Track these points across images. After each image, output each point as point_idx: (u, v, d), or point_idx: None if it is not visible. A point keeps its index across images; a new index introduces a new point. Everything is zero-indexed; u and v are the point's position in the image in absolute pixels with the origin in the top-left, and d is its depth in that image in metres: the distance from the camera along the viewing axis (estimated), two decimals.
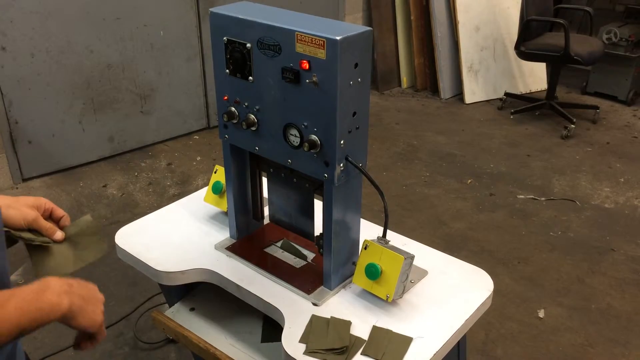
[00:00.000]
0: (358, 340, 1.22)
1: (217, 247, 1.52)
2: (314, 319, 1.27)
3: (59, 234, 1.14)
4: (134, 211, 3.25)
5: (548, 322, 2.51)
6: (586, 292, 2.69)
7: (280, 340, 1.23)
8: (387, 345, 1.20)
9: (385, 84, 5.10)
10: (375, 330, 1.25)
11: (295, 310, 1.31)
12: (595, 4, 5.43)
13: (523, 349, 2.37)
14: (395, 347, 1.20)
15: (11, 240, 1.07)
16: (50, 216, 1.16)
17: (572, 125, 4.26)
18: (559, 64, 4.33)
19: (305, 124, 1.21)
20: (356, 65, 1.15)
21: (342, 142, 1.19)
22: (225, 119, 1.35)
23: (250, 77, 1.26)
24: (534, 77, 5.09)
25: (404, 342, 1.22)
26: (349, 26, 1.16)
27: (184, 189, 3.47)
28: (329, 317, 1.28)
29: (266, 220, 1.59)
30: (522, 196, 3.50)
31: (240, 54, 1.25)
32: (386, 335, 1.23)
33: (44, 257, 1.13)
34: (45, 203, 1.14)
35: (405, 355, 1.19)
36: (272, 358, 1.41)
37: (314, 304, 1.33)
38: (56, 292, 0.87)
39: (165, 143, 4.12)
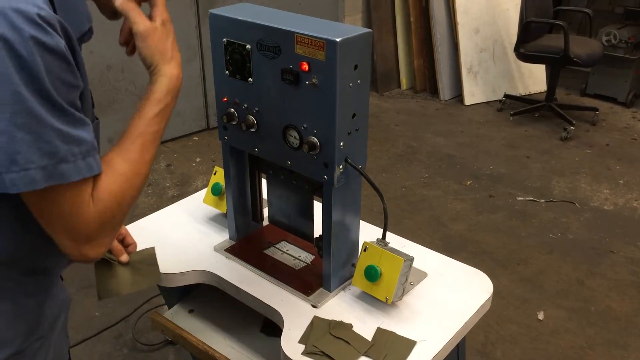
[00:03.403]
0: (360, 342, 1.22)
1: (217, 248, 1.52)
2: (315, 321, 1.27)
3: (125, 257, 1.26)
4: (133, 212, 3.25)
5: (547, 324, 2.51)
6: (585, 294, 2.69)
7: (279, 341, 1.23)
8: (389, 348, 1.20)
9: (384, 86, 5.10)
10: (379, 332, 1.25)
11: (294, 312, 1.30)
12: (595, 6, 5.43)
13: (522, 351, 2.37)
14: (398, 349, 1.20)
15: None
16: (122, 241, 1.28)
17: (572, 127, 4.26)
18: (559, 66, 4.33)
19: (305, 125, 1.21)
20: (356, 66, 1.15)
21: (341, 143, 1.19)
22: (224, 120, 1.35)
23: (250, 79, 1.26)
24: (534, 78, 5.09)
25: (407, 345, 1.22)
26: (349, 27, 1.16)
27: (183, 190, 3.47)
28: (330, 319, 1.28)
29: (265, 222, 1.59)
30: (522, 198, 3.50)
31: (240, 55, 1.25)
32: (389, 337, 1.23)
33: (106, 273, 1.26)
34: (123, 228, 1.28)
35: (407, 358, 1.19)
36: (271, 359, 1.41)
37: (313, 306, 1.33)
38: (174, 86, 1.09)
39: (165, 144, 4.12)
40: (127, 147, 0.96)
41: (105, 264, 1.26)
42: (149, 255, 1.32)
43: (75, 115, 0.81)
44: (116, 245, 1.25)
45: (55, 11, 0.82)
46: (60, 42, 0.78)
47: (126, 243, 1.29)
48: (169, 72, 1.07)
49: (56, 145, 0.78)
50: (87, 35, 0.96)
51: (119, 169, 0.92)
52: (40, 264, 0.99)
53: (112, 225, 0.91)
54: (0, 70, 0.73)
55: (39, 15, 0.75)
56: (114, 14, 0.99)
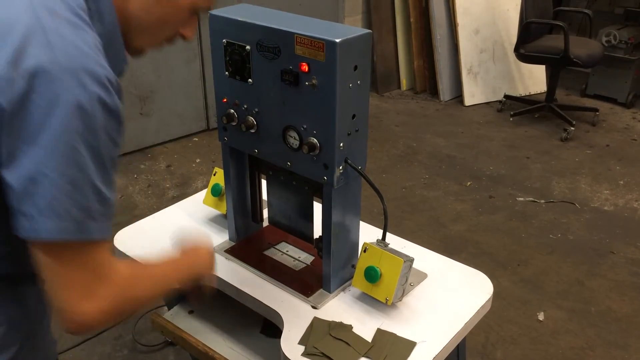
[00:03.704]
0: (360, 343, 1.22)
1: (216, 249, 1.52)
2: (315, 322, 1.27)
3: None
4: (133, 213, 3.24)
5: (548, 324, 2.51)
6: (586, 295, 2.69)
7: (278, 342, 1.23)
8: (389, 349, 1.20)
9: (384, 86, 5.10)
10: (379, 333, 1.25)
11: (294, 313, 1.30)
12: (595, 7, 5.43)
13: (523, 352, 2.37)
14: (398, 350, 1.20)
15: None
16: None
17: (572, 128, 4.26)
18: (559, 66, 4.33)
19: (305, 126, 1.21)
20: (355, 67, 1.15)
21: (341, 144, 1.19)
22: (224, 121, 1.35)
23: (250, 80, 1.26)
24: (534, 79, 5.09)
25: (407, 346, 1.21)
26: (349, 28, 1.16)
27: (183, 191, 3.47)
28: (330, 320, 1.28)
29: (265, 223, 1.59)
30: (522, 198, 3.50)
31: (240, 56, 1.25)
32: (389, 338, 1.23)
33: None
34: None
35: (407, 359, 1.19)
36: None
37: (313, 307, 1.33)
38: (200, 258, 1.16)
39: (165, 145, 4.12)
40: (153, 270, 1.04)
41: None
42: None
43: (112, 176, 0.87)
44: None
45: (108, 60, 0.87)
46: (118, 103, 0.84)
47: None
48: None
49: (91, 202, 0.83)
50: (120, 75, 1.00)
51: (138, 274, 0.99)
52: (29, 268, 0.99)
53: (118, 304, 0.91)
54: (64, 123, 0.78)
55: (107, 77, 0.82)
56: (138, 53, 1.04)
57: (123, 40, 0.97)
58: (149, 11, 0.96)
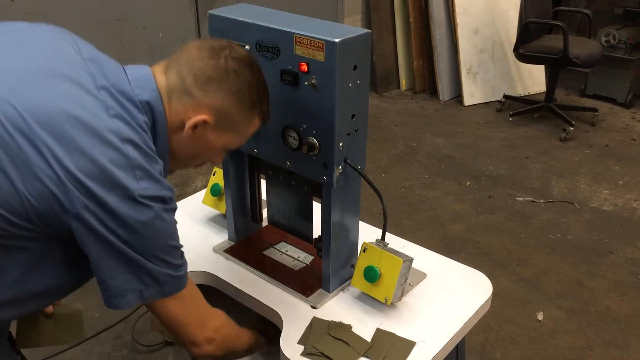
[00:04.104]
0: (360, 342, 1.22)
1: (216, 249, 1.52)
2: (315, 321, 1.27)
3: (50, 308, 1.32)
4: None
5: (547, 324, 2.51)
6: (585, 295, 2.69)
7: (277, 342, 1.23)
8: (389, 348, 1.20)
9: (384, 86, 5.10)
10: (379, 333, 1.25)
11: (293, 313, 1.30)
12: (594, 7, 5.43)
13: (522, 351, 2.37)
14: (397, 350, 1.20)
15: None
16: None
17: (571, 128, 4.26)
18: (558, 67, 4.33)
19: (304, 126, 1.21)
20: (355, 67, 1.15)
21: (340, 144, 1.19)
22: None
23: None
24: (533, 79, 5.10)
25: (407, 345, 1.21)
26: (348, 28, 1.16)
27: (182, 191, 3.47)
28: (329, 320, 1.28)
29: (265, 223, 1.59)
30: (521, 198, 3.50)
31: None
32: (389, 338, 1.23)
33: (28, 322, 1.30)
34: None
35: (406, 358, 1.19)
36: None
37: (313, 307, 1.33)
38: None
39: None
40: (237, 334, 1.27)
41: (28, 316, 1.26)
42: (76, 313, 1.36)
43: (180, 252, 1.06)
44: None
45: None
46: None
47: None
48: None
49: (162, 277, 1.02)
50: None
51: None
52: None
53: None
54: (158, 225, 0.98)
55: (170, 198, 1.02)
56: (168, 173, 1.16)
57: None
58: (185, 148, 1.10)
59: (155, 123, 1.03)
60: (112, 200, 0.91)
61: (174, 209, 1.03)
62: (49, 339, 1.32)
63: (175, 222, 1.04)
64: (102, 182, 0.90)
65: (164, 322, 1.10)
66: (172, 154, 1.09)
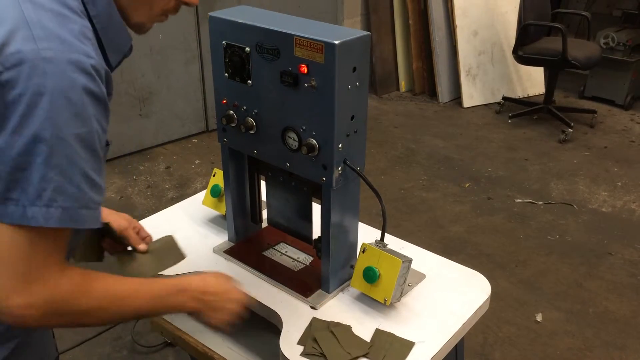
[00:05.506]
0: (359, 343, 1.22)
1: (216, 250, 1.52)
2: (314, 322, 1.28)
3: (142, 246, 1.30)
4: (132, 214, 3.22)
5: (546, 325, 2.52)
6: (584, 296, 2.70)
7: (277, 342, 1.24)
8: (388, 349, 1.21)
9: (383, 88, 5.11)
10: (378, 333, 1.25)
11: (293, 313, 1.31)
12: (593, 9, 5.44)
13: (521, 352, 2.37)
14: (396, 350, 1.21)
15: (102, 233, 1.28)
16: (137, 233, 1.34)
17: (570, 130, 4.27)
18: (557, 68, 4.34)
19: (304, 127, 1.22)
20: (354, 69, 1.16)
21: (340, 145, 1.20)
22: (223, 123, 1.35)
23: (249, 81, 1.27)
24: (532, 81, 5.10)
25: (406, 346, 1.22)
26: (348, 30, 1.17)
27: (182, 192, 3.47)
28: (329, 320, 1.28)
29: (264, 224, 1.59)
30: (520, 200, 3.51)
31: (239, 57, 1.26)
32: (388, 338, 1.24)
33: (128, 260, 1.32)
34: (136, 222, 1.36)
35: (405, 359, 1.19)
36: None
37: (312, 307, 1.33)
38: (189, 297, 1.06)
39: (164, 146, 4.12)
40: (117, 288, 0.97)
41: (126, 253, 1.31)
42: (168, 242, 1.37)
43: (102, 162, 0.88)
44: (133, 235, 1.30)
45: (100, 40, 0.89)
46: (104, 91, 0.86)
47: (142, 235, 1.35)
48: (186, 298, 1.08)
49: (83, 190, 0.84)
50: (128, 53, 1.01)
51: (97, 287, 0.94)
52: None
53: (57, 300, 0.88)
54: (50, 114, 0.79)
55: (92, 66, 0.83)
56: (141, 29, 1.02)
57: (122, 18, 0.96)
58: None
59: None
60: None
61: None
62: (153, 269, 1.33)
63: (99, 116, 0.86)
64: None
65: None
66: (128, 0, 0.95)
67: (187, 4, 1.03)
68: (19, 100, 0.79)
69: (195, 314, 1.11)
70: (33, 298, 0.85)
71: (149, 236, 1.36)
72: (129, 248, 1.31)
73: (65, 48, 0.82)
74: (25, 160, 0.80)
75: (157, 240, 1.37)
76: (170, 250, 1.38)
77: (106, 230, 1.28)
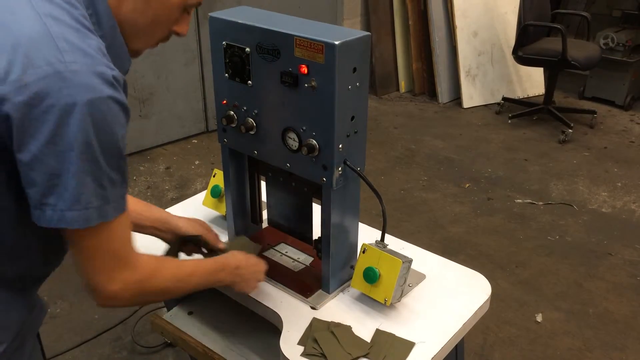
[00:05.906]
0: (359, 343, 1.22)
1: None
2: (314, 322, 1.28)
3: (222, 244, 1.42)
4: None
5: (546, 326, 2.52)
6: (584, 297, 2.70)
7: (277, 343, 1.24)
8: (388, 349, 1.21)
9: (383, 89, 5.11)
10: (378, 333, 1.25)
11: (293, 313, 1.31)
12: (593, 9, 5.44)
13: (521, 353, 2.37)
14: (396, 351, 1.21)
15: (180, 244, 1.38)
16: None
17: (570, 130, 4.27)
18: (557, 69, 4.34)
19: (304, 128, 1.22)
20: (354, 69, 1.16)
21: (340, 146, 1.20)
22: (224, 123, 1.35)
23: (249, 81, 1.27)
24: (532, 81, 5.11)
25: (406, 346, 1.22)
26: (348, 31, 1.17)
27: (182, 192, 3.47)
28: (329, 321, 1.28)
29: (265, 224, 1.60)
30: (520, 200, 3.51)
31: (239, 58, 1.26)
32: (388, 339, 1.24)
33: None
34: (206, 223, 1.45)
35: (405, 359, 1.19)
36: None
37: (312, 308, 1.33)
38: (227, 273, 1.25)
39: (164, 147, 4.12)
40: (180, 268, 1.16)
41: (209, 254, 1.40)
42: (243, 242, 1.46)
43: (124, 160, 0.94)
44: (212, 236, 1.42)
45: (112, 60, 0.94)
46: (125, 99, 0.92)
47: (213, 234, 1.44)
48: (225, 274, 1.26)
49: (108, 189, 0.92)
50: (125, 73, 1.05)
51: (168, 267, 1.12)
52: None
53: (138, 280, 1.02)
54: (81, 124, 0.85)
55: (113, 77, 0.89)
56: (135, 54, 1.08)
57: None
58: (141, 13, 1.00)
59: None
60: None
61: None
62: None
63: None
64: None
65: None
66: (128, 27, 1.00)
67: (178, 34, 1.09)
68: (50, 111, 0.83)
69: (231, 286, 1.27)
70: (127, 281, 0.99)
71: (217, 234, 1.45)
72: (204, 250, 1.41)
73: (89, 61, 0.86)
74: (61, 168, 0.86)
75: (236, 239, 1.49)
76: (244, 247, 1.43)
77: (192, 240, 1.39)
